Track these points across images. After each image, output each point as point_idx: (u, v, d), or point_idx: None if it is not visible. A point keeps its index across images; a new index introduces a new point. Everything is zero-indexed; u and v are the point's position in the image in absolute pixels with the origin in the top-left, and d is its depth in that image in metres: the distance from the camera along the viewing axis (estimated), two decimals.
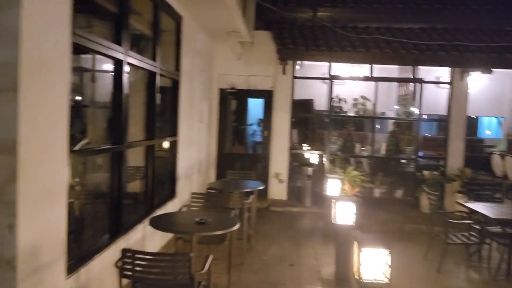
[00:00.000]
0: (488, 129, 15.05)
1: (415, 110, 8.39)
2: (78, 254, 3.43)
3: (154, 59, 5.09)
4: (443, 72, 9.03)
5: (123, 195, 4.21)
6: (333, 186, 6.66)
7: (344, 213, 4.94)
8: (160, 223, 3.86)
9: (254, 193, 6.11)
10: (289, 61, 8.52)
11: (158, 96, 5.72)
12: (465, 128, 8.77)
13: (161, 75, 5.36)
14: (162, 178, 6.16)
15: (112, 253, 3.82)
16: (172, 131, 6.22)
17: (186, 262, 2.76)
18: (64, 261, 3.09)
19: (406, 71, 10.15)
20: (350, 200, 4.92)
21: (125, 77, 4.12)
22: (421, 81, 8.23)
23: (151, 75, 5.11)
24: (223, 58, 8.97)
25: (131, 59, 4.26)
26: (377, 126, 14.77)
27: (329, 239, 6.51)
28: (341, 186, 6.58)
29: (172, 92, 6.19)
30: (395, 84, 12.03)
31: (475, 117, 14.06)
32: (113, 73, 4.09)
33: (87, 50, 3.74)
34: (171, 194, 6.22)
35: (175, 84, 6.19)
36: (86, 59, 5.02)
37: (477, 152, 11.58)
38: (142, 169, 5.27)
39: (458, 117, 8.65)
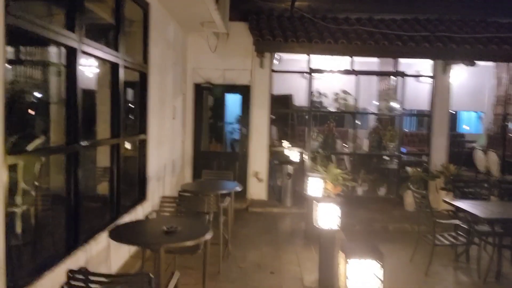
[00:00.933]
0: (467, 124, 14.99)
1: (396, 105, 8.09)
2: (22, 274, 2.94)
3: (116, 49, 4.59)
4: (424, 66, 8.75)
5: (81, 201, 3.72)
6: (314, 185, 6.29)
7: (327, 216, 4.56)
8: (122, 234, 3.39)
9: (231, 195, 5.68)
10: (266, 53, 8.10)
11: (123, 91, 5.24)
12: (448, 123, 8.53)
13: (125, 67, 4.86)
14: (131, 180, 5.66)
15: (68, 267, 3.32)
16: (140, 129, 5.73)
17: (146, 285, 2.32)
18: (1, 285, 2.60)
19: (386, 65, 9.88)
20: (333, 201, 4.54)
21: (80, 69, 3.62)
22: (403, 74, 7.93)
23: (114, 67, 4.61)
24: (197, 50, 8.50)
25: (87, 47, 3.77)
26: (358, 122, 14.61)
27: (311, 242, 6.15)
28: (323, 185, 6.20)
29: (140, 86, 5.70)
30: (375, 79, 11.78)
31: (454, 112, 13.96)
32: (65, 64, 3.59)
33: (35, 39, 3.24)
34: (141, 197, 5.73)
35: (143, 78, 5.69)
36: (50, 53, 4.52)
37: (459, 147, 11.43)
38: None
39: (441, 111, 8.39)
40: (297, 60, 13.09)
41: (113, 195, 4.69)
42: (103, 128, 4.92)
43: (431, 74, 8.41)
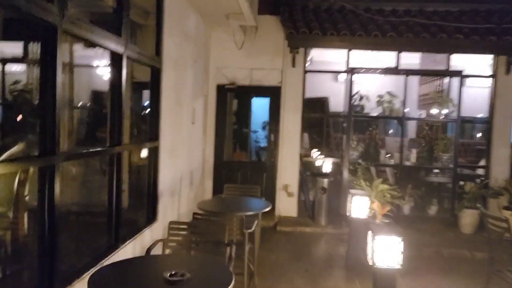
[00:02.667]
0: None
1: (448, 110, 6.92)
2: None
3: (119, 33, 3.66)
4: (477, 65, 7.53)
5: (56, 232, 2.76)
6: (358, 204, 5.20)
7: (386, 250, 3.48)
8: (104, 284, 2.41)
9: (258, 216, 4.66)
10: (300, 50, 7.08)
11: (128, 89, 4.32)
12: (510, 132, 7.28)
13: (131, 58, 3.93)
14: (137, 197, 4.73)
15: None
16: (151, 135, 4.79)
17: None
18: None
19: (429, 65, 8.73)
20: (394, 233, 3.45)
21: (61, 56, 2.69)
22: (460, 74, 6.76)
23: (115, 57, 3.68)
24: (221, 47, 7.56)
25: (73, 27, 2.83)
26: (402, 129, 13.37)
27: (354, 274, 5.08)
28: (369, 204, 5.12)
29: (151, 83, 4.77)
30: (415, 80, 10.61)
31: None
32: (42, 50, 2.67)
33: None
34: (150, 217, 4.78)
35: (155, 74, 4.76)
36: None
37: None
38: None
39: (503, 118, 7.16)
40: (329, 62, 12.10)
41: (111, 219, 3.73)
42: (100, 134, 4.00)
43: (491, 74, 7.21)
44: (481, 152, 8.91)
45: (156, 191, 4.83)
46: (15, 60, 4.71)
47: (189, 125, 6.30)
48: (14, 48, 4.31)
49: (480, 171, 7.87)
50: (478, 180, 7.91)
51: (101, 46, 3.40)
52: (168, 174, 5.24)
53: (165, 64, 4.91)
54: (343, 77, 12.53)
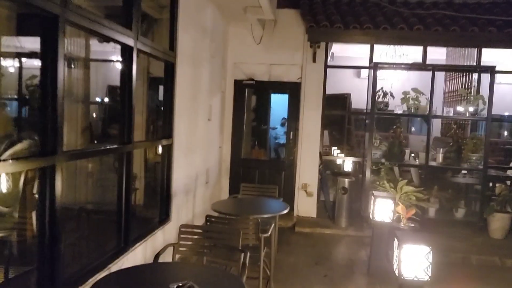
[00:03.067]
0: None
1: (480, 107, 6.52)
2: None
3: (129, 26, 3.47)
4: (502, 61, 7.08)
5: (58, 236, 2.59)
6: (382, 207, 4.91)
7: (413, 260, 3.21)
8: None
9: (275, 219, 4.43)
10: (321, 44, 6.79)
11: (141, 83, 4.15)
12: None
13: (142, 51, 3.74)
14: (150, 196, 4.56)
15: None
16: (165, 132, 4.61)
17: None
18: None
19: (455, 60, 8.34)
20: (423, 241, 3.17)
21: (62, 48, 2.50)
22: (492, 69, 6.36)
23: (125, 50, 3.50)
24: (239, 42, 7.33)
25: (77, 18, 2.65)
26: (426, 127, 12.88)
27: (377, 280, 4.80)
28: (393, 207, 4.83)
29: (165, 79, 4.58)
30: (440, 77, 10.18)
31: None
32: (43, 42, 2.49)
33: None
34: (163, 217, 4.61)
35: (170, 69, 4.57)
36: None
37: None
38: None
39: None
40: (351, 57, 11.76)
41: (121, 221, 3.56)
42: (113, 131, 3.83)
43: None
44: (510, 152, 8.48)
45: (169, 190, 4.65)
46: (31, 54, 4.60)
47: (206, 122, 6.10)
48: (34, 43, 4.18)
49: (509, 172, 7.47)
50: (508, 182, 7.51)
51: (109, 39, 3.21)
52: (183, 173, 5.06)
53: (180, 59, 4.71)
54: (365, 73, 12.28)
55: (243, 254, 3.21)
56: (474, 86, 7.06)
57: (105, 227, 3.91)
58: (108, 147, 3.57)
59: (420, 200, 5.51)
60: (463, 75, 9.50)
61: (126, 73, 3.54)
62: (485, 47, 6.25)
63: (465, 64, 7.46)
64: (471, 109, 6.56)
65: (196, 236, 3.31)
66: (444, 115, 6.82)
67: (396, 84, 7.66)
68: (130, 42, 3.48)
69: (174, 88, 4.62)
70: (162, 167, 4.59)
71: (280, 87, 7.48)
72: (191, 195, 5.48)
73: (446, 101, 9.59)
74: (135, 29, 3.57)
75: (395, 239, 3.33)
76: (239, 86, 7.47)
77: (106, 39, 3.24)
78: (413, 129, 12.28)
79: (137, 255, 3.77)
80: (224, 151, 7.49)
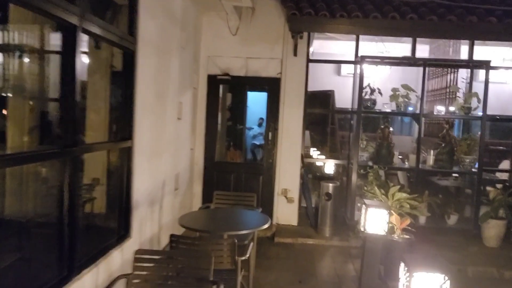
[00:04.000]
0: None
1: (470, 106, 6.04)
2: None
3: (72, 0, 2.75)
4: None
5: None
6: (375, 218, 4.32)
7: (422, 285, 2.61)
8: None
9: (254, 236, 3.78)
10: (303, 35, 6.18)
11: (96, 76, 3.45)
12: None
13: (89, 32, 3.02)
14: (106, 209, 3.84)
15: None
16: (123, 133, 3.89)
17: None
18: None
19: (440, 56, 7.91)
20: (437, 268, 2.57)
21: None
22: (488, 65, 5.88)
23: (67, 30, 2.77)
24: (213, 34, 6.66)
25: None
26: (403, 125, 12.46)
27: None
28: (389, 218, 4.24)
29: (123, 70, 3.87)
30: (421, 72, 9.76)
31: None
32: None
33: None
34: (122, 233, 3.89)
35: (129, 58, 3.86)
36: None
37: None
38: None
39: None
40: (331, 54, 11.22)
41: (63, 241, 2.84)
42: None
43: None
44: (501, 154, 8.08)
45: (129, 201, 3.93)
46: None
47: (175, 122, 5.40)
48: None
49: (499, 175, 7.03)
50: (498, 186, 7.09)
51: (43, 12, 2.49)
52: (147, 180, 4.35)
53: (142, 47, 4.00)
54: (346, 70, 11.79)
55: (215, 286, 2.54)
56: (466, 83, 6.57)
57: (46, 247, 3.17)
58: (45, 151, 2.83)
59: (414, 208, 4.95)
60: (448, 73, 9.09)
61: (68, 61, 2.81)
62: (484, 39, 5.77)
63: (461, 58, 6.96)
64: (452, 108, 6.06)
65: (155, 264, 2.62)
66: (435, 114, 6.30)
67: (384, 81, 7.12)
68: (73, 20, 2.76)
69: (135, 81, 3.91)
70: (121, 174, 3.88)
71: (258, 83, 6.84)
72: (157, 206, 4.77)
73: (429, 100, 9.16)
74: (82, 4, 2.85)
75: (402, 264, 2.72)
76: (213, 81, 6.79)
77: (39, 12, 2.51)
78: (391, 129, 11.84)
79: (85, 285, 3.06)
80: (197, 154, 6.79)
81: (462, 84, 6.85)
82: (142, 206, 4.23)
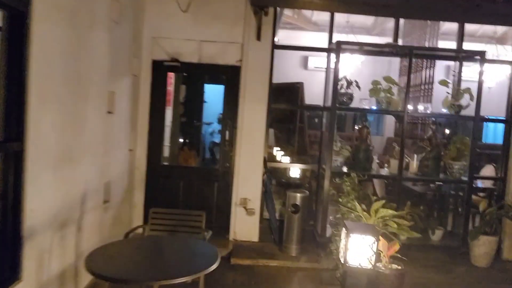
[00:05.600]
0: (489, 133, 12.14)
1: (465, 104, 5.20)
2: None
3: None
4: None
5: None
6: (359, 247, 3.32)
7: None
8: None
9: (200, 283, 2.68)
10: (268, 12, 5.13)
11: None
12: None
13: None
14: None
15: None
16: (8, 132, 2.69)
17: None
18: None
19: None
20: None
21: None
22: (483, 55, 5.02)
23: None
24: (159, 9, 5.48)
25: None
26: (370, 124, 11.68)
27: None
28: (377, 247, 3.25)
29: (7, 36, 2.66)
30: (395, 68, 9.00)
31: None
32: None
33: None
34: (8, 275, 2.70)
35: (18, 22, 2.65)
36: None
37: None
38: None
39: None
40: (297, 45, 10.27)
41: None
42: None
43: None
44: (480, 158, 7.33)
45: (17, 229, 2.74)
46: None
47: (103, 116, 4.21)
48: None
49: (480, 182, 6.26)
50: (480, 194, 6.35)
51: None
52: (51, 196, 3.15)
53: (43, 9, 2.80)
54: (316, 63, 10.86)
55: None
56: (453, 78, 5.71)
57: None
58: None
59: (402, 228, 4.00)
60: (426, 67, 8.30)
61: None
62: (486, 22, 4.91)
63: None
64: (424, 105, 5.19)
65: None
66: (422, 113, 5.39)
67: (359, 76, 6.16)
68: None
69: (27, 57, 2.71)
70: (4, 192, 2.67)
71: (214, 71, 5.77)
72: (73, 228, 3.57)
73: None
74: None
75: None
76: (160, 68, 5.60)
77: None
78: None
79: None
80: (138, 156, 5.60)
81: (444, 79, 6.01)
82: (42, 234, 3.04)
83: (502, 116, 5.66)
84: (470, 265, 5.32)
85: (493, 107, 6.12)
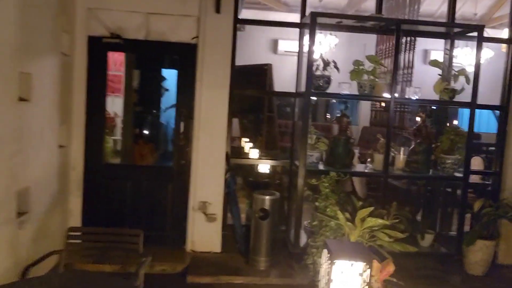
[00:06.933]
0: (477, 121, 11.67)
1: (460, 89, 4.47)
2: None
3: None
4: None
5: None
6: (344, 273, 2.51)
7: None
8: None
9: None
10: None
11: None
12: None
13: None
14: None
15: None
16: None
17: None
18: None
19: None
20: None
21: None
22: (481, 31, 4.30)
23: None
24: None
25: None
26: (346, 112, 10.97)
27: None
28: (370, 277, 2.45)
29: None
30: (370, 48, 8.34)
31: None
32: None
33: None
34: None
35: None
36: None
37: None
38: None
39: None
40: (268, 28, 9.48)
41: None
42: None
43: (509, 37, 4.89)
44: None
45: None
46: None
47: (12, 105, 3.23)
48: None
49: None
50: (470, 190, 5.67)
51: None
52: None
53: None
54: (284, 46, 10.04)
55: None
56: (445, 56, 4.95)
57: None
58: None
59: (395, 241, 3.21)
60: (405, 50, 7.63)
61: None
62: None
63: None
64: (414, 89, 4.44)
65: None
66: (408, 97, 4.61)
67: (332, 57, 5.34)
68: None
69: None
70: None
71: (164, 50, 4.79)
72: None
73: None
74: None
75: None
76: (98, 46, 4.61)
77: None
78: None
79: None
80: (74, 153, 4.61)
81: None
82: None
83: (490, 103, 4.99)
84: (465, 274, 4.64)
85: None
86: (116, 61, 6.41)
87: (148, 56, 5.24)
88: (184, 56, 4.72)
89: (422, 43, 8.94)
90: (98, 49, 4.60)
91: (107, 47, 4.63)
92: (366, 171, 4.60)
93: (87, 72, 4.59)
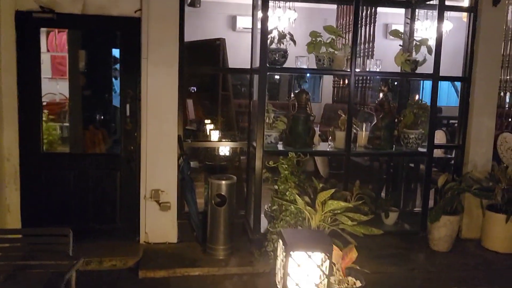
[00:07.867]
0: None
1: (422, 60, 4.28)
2: None
3: None
4: None
5: None
6: (301, 266, 2.25)
7: None
8: None
9: None
10: None
11: None
12: (497, 94, 4.91)
13: None
14: None
15: None
16: None
17: None
18: None
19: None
20: None
21: None
22: (441, 1, 4.08)
23: None
24: None
25: None
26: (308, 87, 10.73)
27: None
28: (330, 270, 2.21)
29: None
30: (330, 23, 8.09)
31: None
32: None
33: None
34: None
35: None
36: None
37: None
38: None
39: (488, 74, 4.73)
40: (224, 3, 9.10)
41: None
42: None
43: (470, 6, 4.71)
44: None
45: None
46: None
47: None
48: None
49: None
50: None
51: None
52: None
53: None
54: (243, 23, 9.62)
55: None
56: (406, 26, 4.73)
57: None
58: None
59: (359, 224, 3.00)
60: (366, 23, 7.43)
61: None
62: None
63: None
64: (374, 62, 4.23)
65: None
66: (374, 71, 4.39)
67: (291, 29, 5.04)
68: None
69: None
70: None
71: (105, 25, 4.33)
72: None
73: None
74: None
75: None
76: (28, 22, 4.10)
77: None
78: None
79: None
80: (6, 143, 4.14)
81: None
82: None
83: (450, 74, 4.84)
84: (430, 251, 4.54)
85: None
86: (61, 41, 5.92)
87: (87, 32, 4.74)
88: (127, 31, 4.30)
89: (382, 17, 8.76)
90: (28, 26, 4.10)
91: (38, 23, 4.14)
92: (328, 149, 4.36)
93: (17, 51, 4.09)
